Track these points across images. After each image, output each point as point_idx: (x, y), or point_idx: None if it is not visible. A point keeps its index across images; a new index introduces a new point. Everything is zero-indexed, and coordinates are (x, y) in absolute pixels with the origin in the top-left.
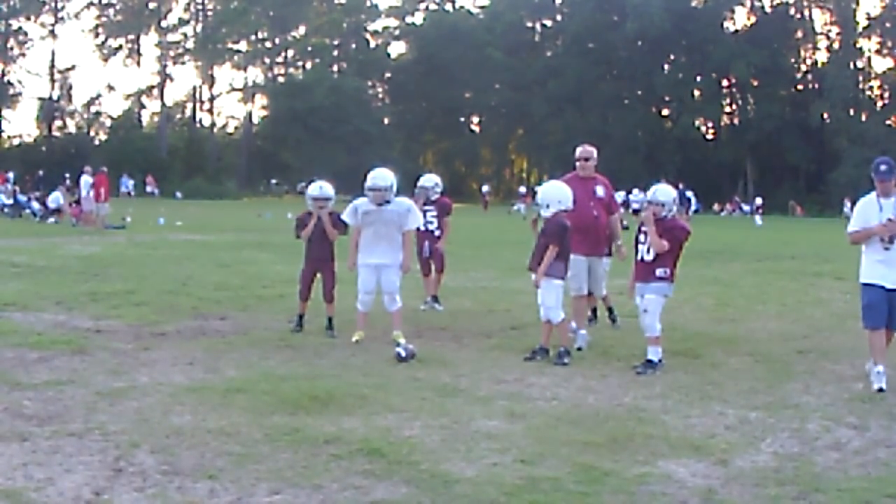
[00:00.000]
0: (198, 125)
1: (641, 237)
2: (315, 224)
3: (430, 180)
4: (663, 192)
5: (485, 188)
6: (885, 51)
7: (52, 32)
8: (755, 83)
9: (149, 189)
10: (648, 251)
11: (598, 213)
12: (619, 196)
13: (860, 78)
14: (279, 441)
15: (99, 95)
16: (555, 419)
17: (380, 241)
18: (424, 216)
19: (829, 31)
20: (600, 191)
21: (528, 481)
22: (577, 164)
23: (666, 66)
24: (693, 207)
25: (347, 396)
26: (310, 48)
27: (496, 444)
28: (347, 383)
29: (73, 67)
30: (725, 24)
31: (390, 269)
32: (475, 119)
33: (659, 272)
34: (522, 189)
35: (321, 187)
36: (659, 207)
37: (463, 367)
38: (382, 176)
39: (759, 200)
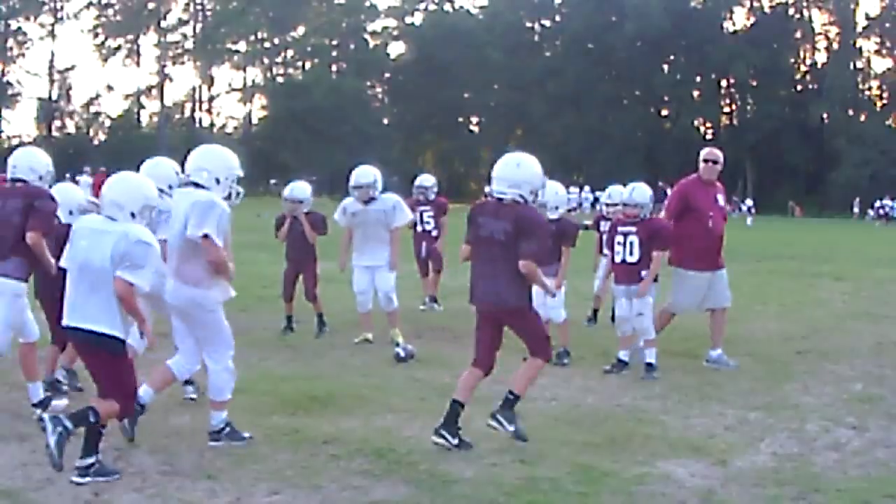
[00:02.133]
0: (197, 125)
1: (620, 238)
2: (292, 225)
3: (429, 180)
4: (640, 192)
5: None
6: (884, 51)
7: (51, 33)
8: (754, 83)
9: None
10: (631, 253)
11: (718, 224)
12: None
13: (859, 78)
14: (278, 441)
15: (98, 95)
16: (554, 419)
17: (368, 241)
18: (421, 217)
19: (829, 31)
20: (721, 199)
21: (528, 481)
22: (703, 166)
23: (665, 67)
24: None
25: (347, 397)
26: (309, 48)
27: (495, 444)
28: (347, 384)
29: (72, 68)
30: (725, 24)
31: (382, 269)
32: (474, 119)
33: (644, 273)
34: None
35: (293, 188)
36: (637, 209)
37: (462, 367)
38: (364, 173)
39: (749, 202)
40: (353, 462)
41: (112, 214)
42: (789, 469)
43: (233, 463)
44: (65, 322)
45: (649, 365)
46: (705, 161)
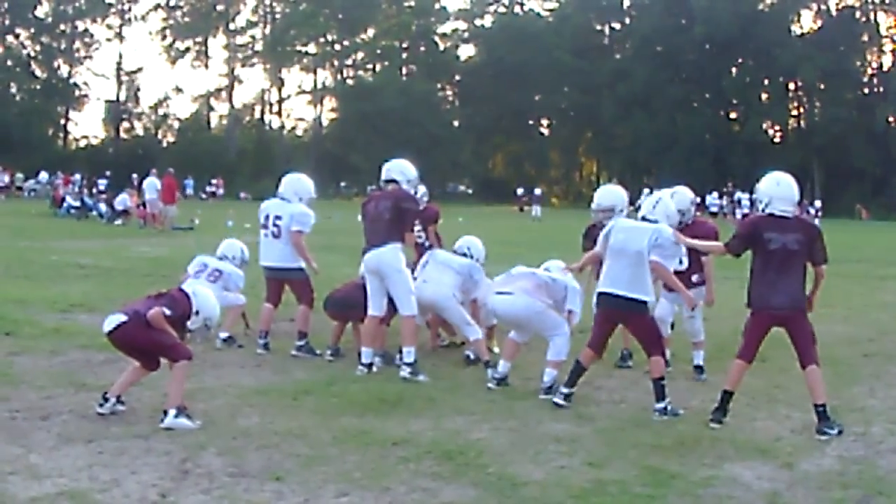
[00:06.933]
0: (267, 127)
1: None
2: None
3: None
4: (680, 198)
5: (520, 190)
6: None
7: (118, 34)
8: (822, 86)
9: (220, 192)
10: (681, 261)
11: None
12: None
13: None
14: (347, 443)
15: (167, 97)
16: (622, 422)
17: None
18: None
19: (895, 34)
20: None
21: (596, 484)
22: None
23: (733, 70)
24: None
25: (416, 399)
26: (379, 51)
27: (564, 446)
28: (416, 385)
29: (140, 69)
30: (792, 27)
31: None
32: (544, 122)
33: (695, 278)
34: (538, 190)
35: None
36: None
37: (531, 370)
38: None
39: (817, 204)
40: (421, 464)
41: None
42: (854, 472)
43: (301, 464)
44: None
45: (698, 367)
46: None
